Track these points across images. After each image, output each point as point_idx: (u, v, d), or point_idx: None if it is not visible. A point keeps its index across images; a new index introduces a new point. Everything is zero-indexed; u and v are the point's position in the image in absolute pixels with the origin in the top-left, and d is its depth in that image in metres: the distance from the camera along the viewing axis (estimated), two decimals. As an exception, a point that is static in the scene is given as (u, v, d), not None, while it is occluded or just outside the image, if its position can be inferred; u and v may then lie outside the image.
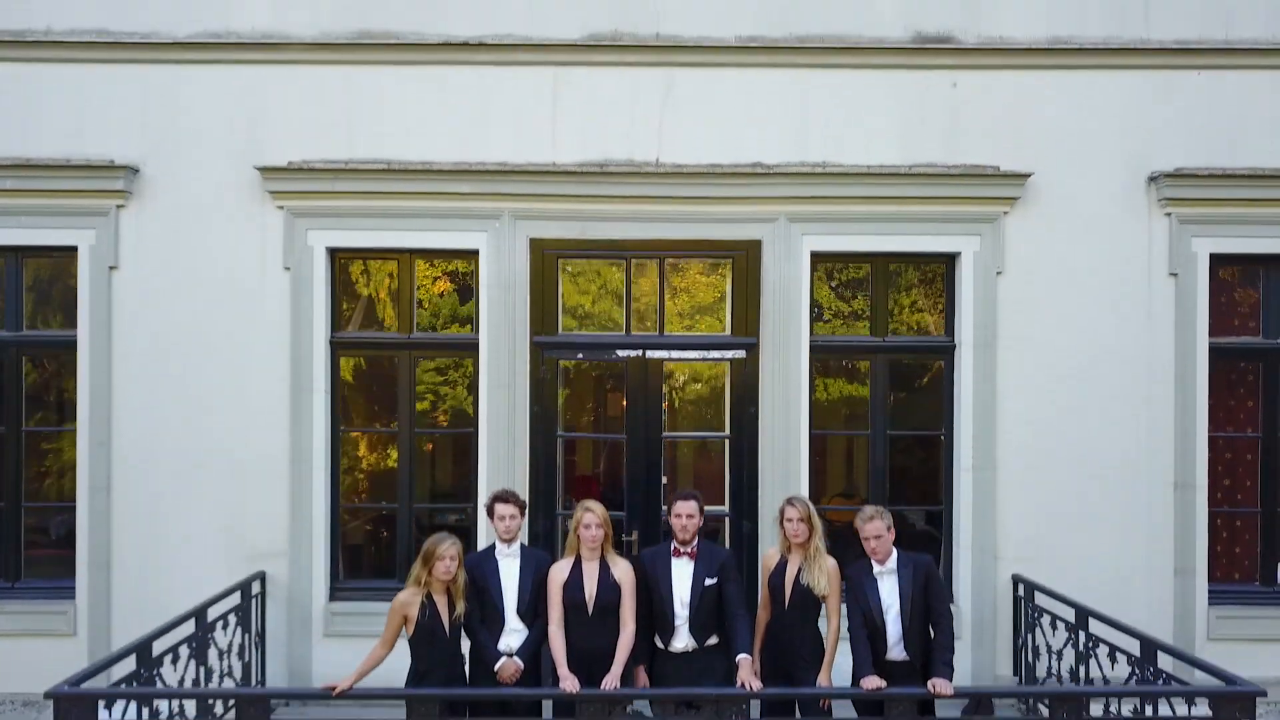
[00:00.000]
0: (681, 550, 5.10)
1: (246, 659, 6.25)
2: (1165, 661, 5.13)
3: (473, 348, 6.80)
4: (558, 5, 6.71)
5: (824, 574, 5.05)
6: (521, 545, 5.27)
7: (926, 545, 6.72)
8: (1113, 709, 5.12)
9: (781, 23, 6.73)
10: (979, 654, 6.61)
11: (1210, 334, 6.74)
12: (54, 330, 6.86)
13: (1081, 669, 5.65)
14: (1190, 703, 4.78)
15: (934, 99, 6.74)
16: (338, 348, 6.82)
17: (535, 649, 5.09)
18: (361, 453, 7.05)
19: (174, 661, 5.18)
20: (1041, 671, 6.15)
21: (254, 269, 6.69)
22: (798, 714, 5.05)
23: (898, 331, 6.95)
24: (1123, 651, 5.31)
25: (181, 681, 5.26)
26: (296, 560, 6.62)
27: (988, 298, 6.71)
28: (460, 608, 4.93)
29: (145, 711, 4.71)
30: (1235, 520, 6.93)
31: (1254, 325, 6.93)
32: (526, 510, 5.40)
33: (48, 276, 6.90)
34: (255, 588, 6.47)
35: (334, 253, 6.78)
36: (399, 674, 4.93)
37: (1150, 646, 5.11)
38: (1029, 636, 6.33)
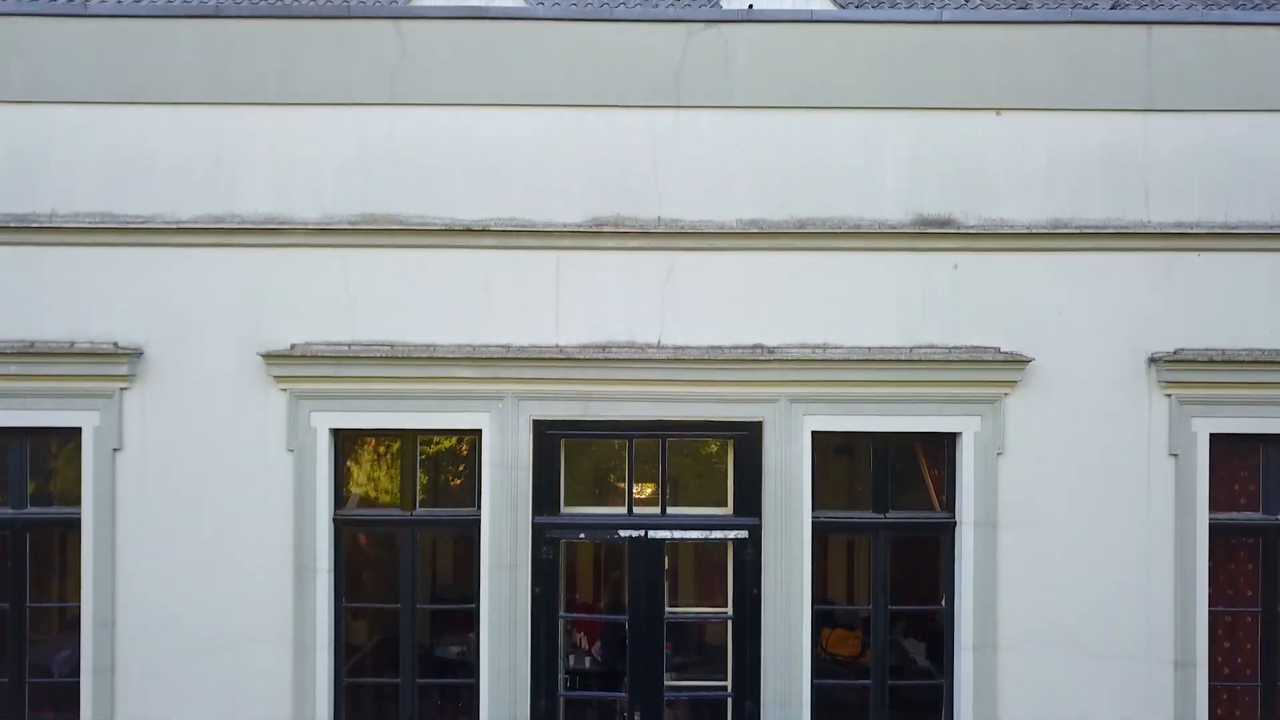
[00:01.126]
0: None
1: None
2: None
3: (474, 524, 6.98)
4: (560, 190, 6.90)
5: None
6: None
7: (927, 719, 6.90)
8: None
9: (782, 206, 6.91)
10: (980, 838, 6.79)
11: (1210, 509, 6.92)
12: (58, 509, 7.03)
13: None
14: None
15: (935, 281, 6.92)
16: (341, 525, 7.00)
17: None
18: (364, 628, 7.23)
19: None
20: None
21: (258, 450, 6.87)
22: None
23: (899, 505, 7.12)
24: None
25: None
26: (300, 744, 6.80)
27: (988, 477, 6.89)
28: None
29: None
30: (1236, 693, 7.11)
31: (1254, 501, 7.10)
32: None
33: (52, 456, 7.08)
34: (259, 776, 6.64)
35: (337, 433, 6.96)
36: None
37: None
38: (1030, 828, 6.50)
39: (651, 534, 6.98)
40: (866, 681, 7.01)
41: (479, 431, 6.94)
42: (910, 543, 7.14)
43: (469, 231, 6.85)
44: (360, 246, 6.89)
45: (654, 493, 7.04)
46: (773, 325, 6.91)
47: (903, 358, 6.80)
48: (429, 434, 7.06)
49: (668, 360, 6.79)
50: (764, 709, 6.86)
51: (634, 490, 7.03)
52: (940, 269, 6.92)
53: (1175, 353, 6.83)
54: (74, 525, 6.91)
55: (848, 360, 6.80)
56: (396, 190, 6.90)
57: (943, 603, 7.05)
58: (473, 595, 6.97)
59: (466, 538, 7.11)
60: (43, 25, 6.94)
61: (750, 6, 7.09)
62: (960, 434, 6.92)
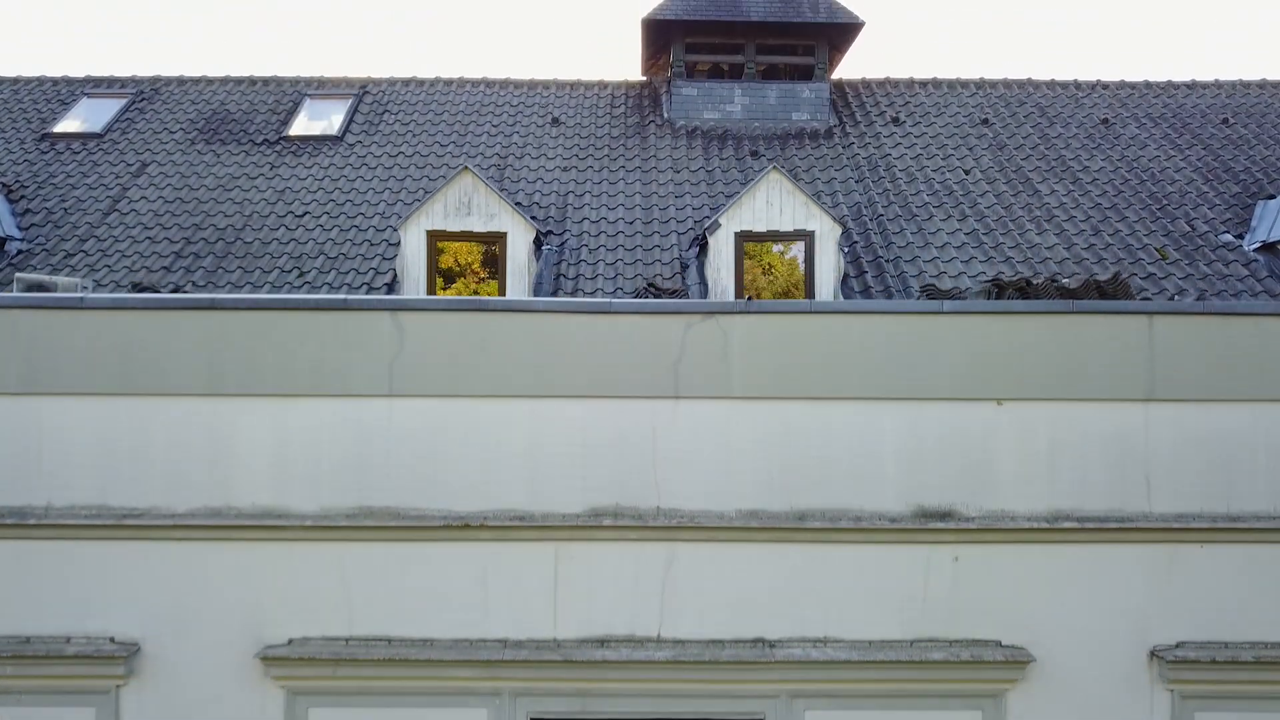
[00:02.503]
0: None
1: None
2: None
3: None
4: (559, 480, 7.07)
5: None
6: None
7: None
8: None
9: (783, 496, 7.08)
10: None
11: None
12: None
13: None
14: None
15: (936, 573, 7.09)
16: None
17: None
18: None
19: None
20: None
21: (255, 745, 7.04)
22: None
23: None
24: None
25: None
26: None
27: (990, 768, 7.06)
28: None
29: None
30: None
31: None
32: None
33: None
34: None
35: (335, 727, 7.13)
36: None
37: None
38: None
39: (651, 826, 7.14)
40: None
41: (476, 723, 7.10)
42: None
43: (467, 527, 7.01)
44: (357, 540, 7.05)
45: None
46: (773, 618, 7.07)
47: (904, 657, 6.97)
48: (427, 726, 7.22)
49: (667, 662, 6.95)
50: None
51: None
52: (941, 561, 7.09)
53: (1177, 647, 7.00)
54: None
55: (849, 661, 6.96)
56: (394, 482, 7.07)
57: None
58: None
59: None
60: (38, 318, 7.11)
61: (749, 299, 7.24)
62: (962, 727, 7.08)
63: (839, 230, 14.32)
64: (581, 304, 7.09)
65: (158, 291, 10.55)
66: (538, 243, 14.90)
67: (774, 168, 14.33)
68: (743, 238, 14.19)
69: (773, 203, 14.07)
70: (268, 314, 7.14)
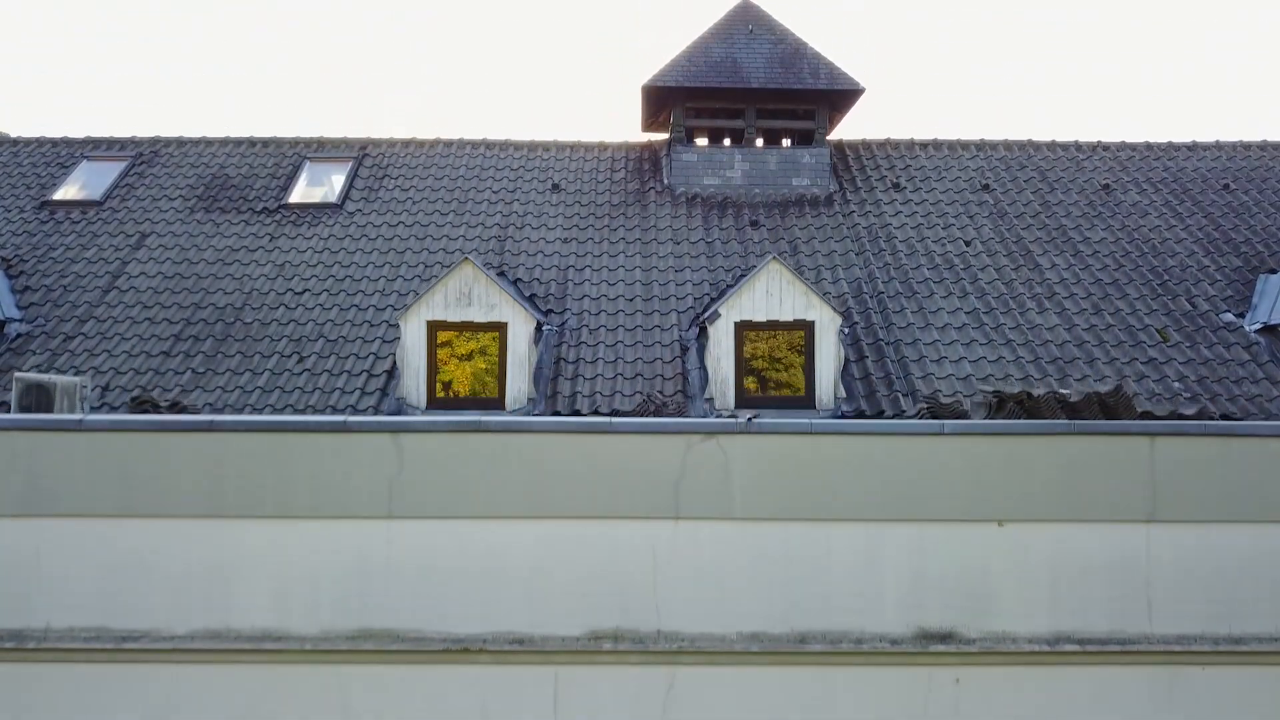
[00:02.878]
0: None
1: None
2: None
3: None
4: (559, 602, 7.11)
5: None
6: None
7: None
8: None
9: (784, 620, 7.13)
10: None
11: None
12: None
13: None
14: None
15: (937, 695, 7.11)
16: None
17: None
18: None
19: None
20: None
21: None
22: None
23: None
24: None
25: None
26: None
27: None
28: None
29: None
30: None
31: None
32: None
33: None
34: None
35: None
36: None
37: None
38: None
39: None
40: None
41: (477, 847, 7.11)
42: None
43: (466, 650, 7.05)
44: (357, 662, 7.09)
45: None
46: (774, 741, 7.09)
47: (906, 784, 6.99)
48: None
49: (668, 789, 6.98)
50: None
51: None
52: (943, 683, 7.12)
53: (1181, 771, 7.02)
54: None
55: (850, 789, 6.98)
56: (394, 603, 7.12)
57: None
58: None
59: None
60: (38, 439, 7.19)
61: (750, 419, 7.34)
62: None
63: (838, 320, 14.43)
64: (581, 424, 7.19)
65: (158, 407, 10.63)
66: (539, 328, 15.02)
67: (774, 258, 14.48)
68: (743, 327, 14.30)
69: (772, 293, 14.19)
70: (267, 435, 7.22)
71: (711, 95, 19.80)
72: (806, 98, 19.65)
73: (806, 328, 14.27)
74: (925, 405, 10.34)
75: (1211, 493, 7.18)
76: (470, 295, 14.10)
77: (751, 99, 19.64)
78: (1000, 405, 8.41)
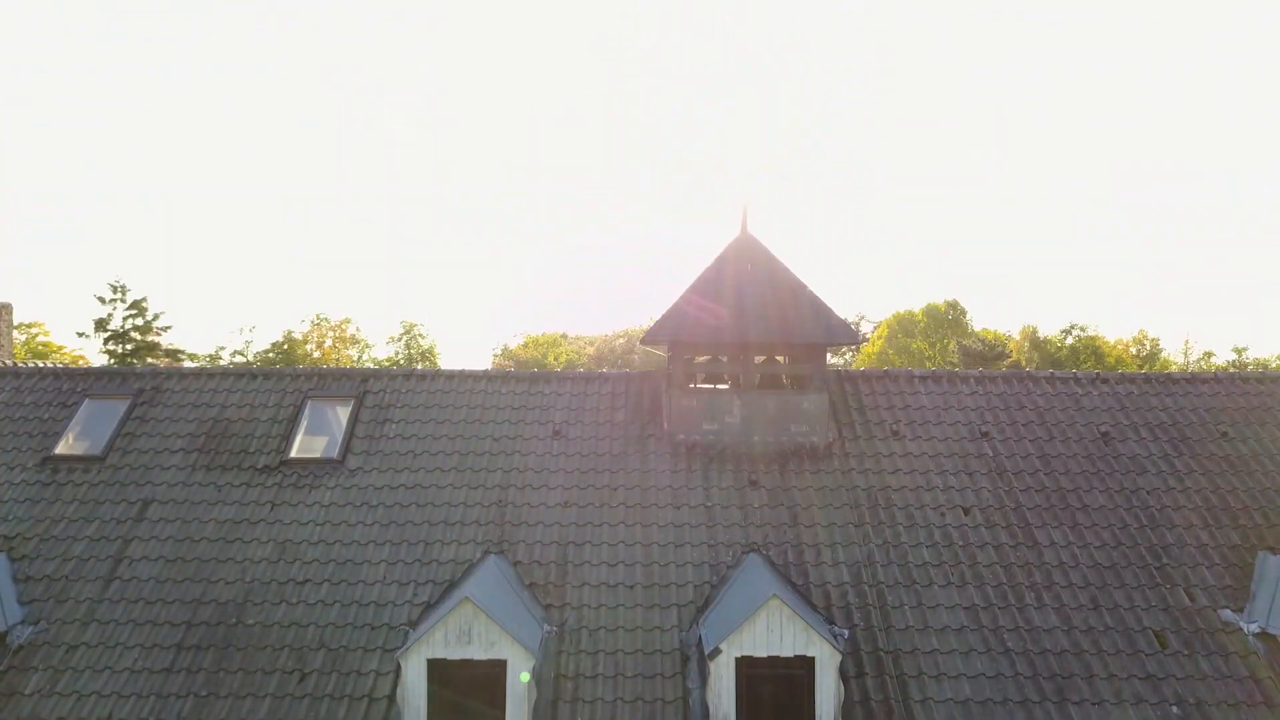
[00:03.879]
0: None
1: None
2: None
3: None
4: None
5: None
6: None
7: None
8: None
9: None
10: None
11: None
12: None
13: None
14: None
15: None
16: None
17: None
18: None
19: None
20: None
21: None
22: None
23: None
24: None
25: None
26: None
27: None
28: None
29: None
30: None
31: None
32: None
33: None
34: None
35: None
36: None
37: None
38: None
39: None
40: None
41: None
42: None
43: None
44: None
45: None
46: None
47: None
48: None
49: None
50: None
51: None
52: None
53: None
54: None
55: None
56: None
57: None
58: None
59: None
60: None
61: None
62: None
63: (838, 658, 14.66)
64: None
65: None
66: (540, 646, 15.27)
67: (774, 595, 14.68)
68: (743, 663, 14.54)
69: (773, 629, 14.43)
70: None
71: (710, 348, 20.12)
72: (806, 349, 19.93)
73: (806, 664, 14.50)
74: None
75: None
76: (470, 633, 14.33)
77: (750, 350, 19.92)
78: None
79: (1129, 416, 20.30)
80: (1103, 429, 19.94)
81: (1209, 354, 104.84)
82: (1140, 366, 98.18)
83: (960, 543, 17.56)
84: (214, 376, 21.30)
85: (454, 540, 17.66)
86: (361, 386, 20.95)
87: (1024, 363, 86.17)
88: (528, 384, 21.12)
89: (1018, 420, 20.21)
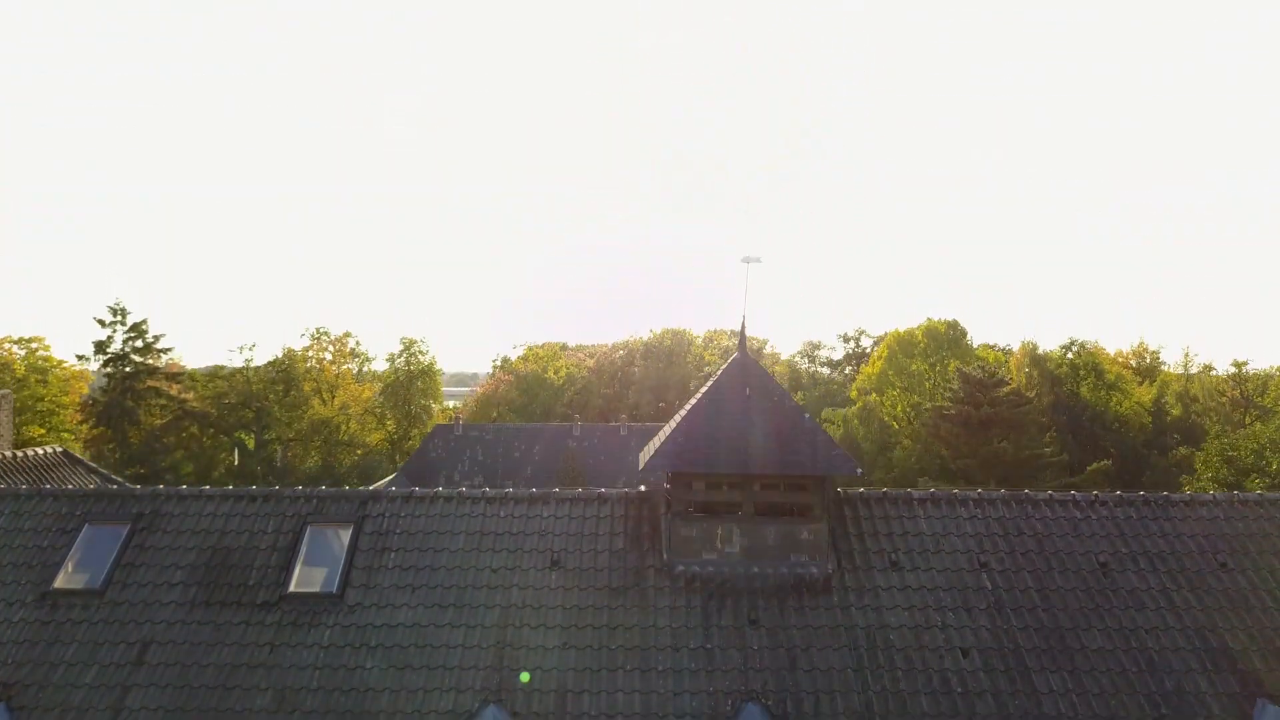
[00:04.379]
0: None
1: None
2: None
3: None
4: None
5: None
6: None
7: None
8: None
9: None
10: None
11: None
12: None
13: None
14: None
15: None
16: None
17: None
18: None
19: None
20: None
21: None
22: None
23: None
24: None
25: None
26: None
27: None
28: None
29: None
30: None
31: None
32: None
33: None
34: None
35: None
36: None
37: None
38: None
39: None
40: None
41: None
42: None
43: None
44: None
45: None
46: None
47: None
48: None
49: None
50: None
51: None
52: None
53: None
54: None
55: None
56: None
57: None
58: None
59: None
60: None
61: None
62: None
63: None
64: None
65: None
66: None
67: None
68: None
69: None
70: None
71: (710, 476, 20.21)
72: (805, 481, 20.02)
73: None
74: None
75: None
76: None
77: (750, 481, 20.01)
78: None
79: (1128, 544, 20.37)
80: (1101, 559, 20.01)
81: (1209, 366, 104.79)
82: (1140, 382, 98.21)
83: (959, 689, 17.63)
84: (213, 499, 21.37)
85: (453, 688, 17.72)
86: (360, 510, 21.03)
87: (1024, 382, 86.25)
88: (526, 505, 21.21)
89: (1016, 549, 20.28)
